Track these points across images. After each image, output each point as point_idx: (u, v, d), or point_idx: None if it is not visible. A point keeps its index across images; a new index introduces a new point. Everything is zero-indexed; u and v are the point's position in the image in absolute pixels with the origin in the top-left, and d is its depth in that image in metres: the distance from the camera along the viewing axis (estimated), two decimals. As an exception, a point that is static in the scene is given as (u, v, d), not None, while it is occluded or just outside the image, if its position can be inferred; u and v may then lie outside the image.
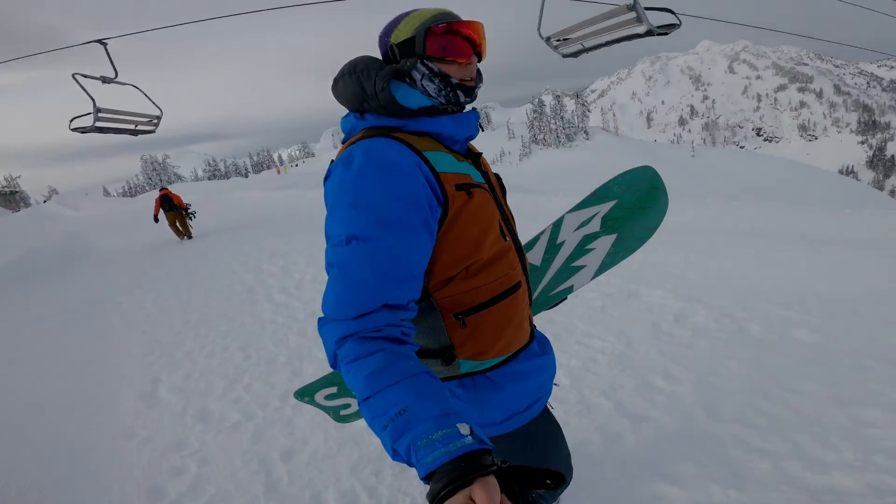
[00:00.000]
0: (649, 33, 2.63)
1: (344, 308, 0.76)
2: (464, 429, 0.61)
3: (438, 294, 0.92)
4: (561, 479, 0.59)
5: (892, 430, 1.73)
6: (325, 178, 0.90)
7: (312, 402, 1.68)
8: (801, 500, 1.51)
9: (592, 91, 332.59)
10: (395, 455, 0.64)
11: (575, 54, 3.35)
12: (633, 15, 2.55)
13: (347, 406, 1.67)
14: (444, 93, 0.93)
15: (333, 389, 1.62)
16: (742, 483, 1.61)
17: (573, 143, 60.99)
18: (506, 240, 0.99)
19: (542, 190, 13.95)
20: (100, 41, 2.92)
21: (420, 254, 0.82)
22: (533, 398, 1.06)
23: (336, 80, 0.96)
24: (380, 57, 0.98)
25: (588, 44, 3.11)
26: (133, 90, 3.34)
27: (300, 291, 4.73)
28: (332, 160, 0.92)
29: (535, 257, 1.51)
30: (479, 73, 0.99)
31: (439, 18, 0.91)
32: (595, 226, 1.50)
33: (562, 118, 61.21)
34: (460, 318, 0.93)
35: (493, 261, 0.95)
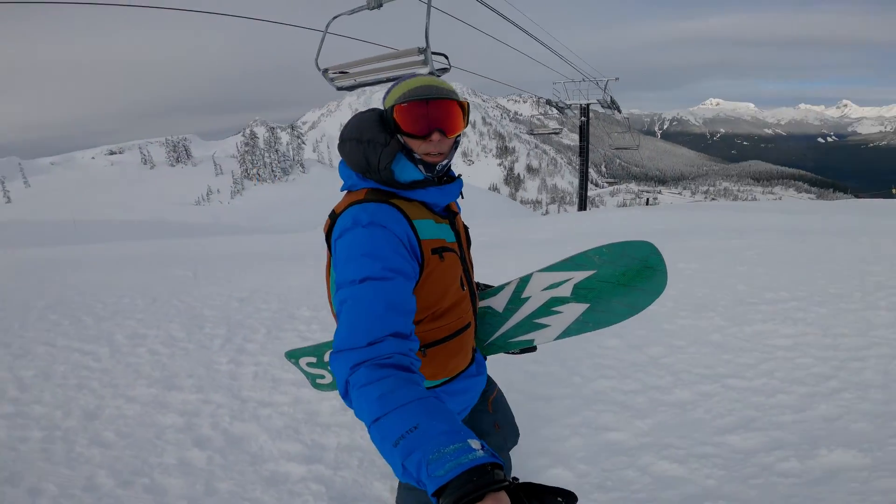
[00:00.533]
0: (429, 75, 3.67)
1: (357, 336, 0.84)
2: (475, 444, 0.63)
3: None
4: (573, 497, 0.59)
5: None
6: (330, 231, 1.06)
7: (297, 365, 1.87)
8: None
9: (304, 123, 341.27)
10: (405, 473, 0.65)
11: (350, 87, 3.97)
12: (420, 57, 3.35)
13: (323, 377, 1.83)
14: (418, 163, 1.06)
15: (314, 359, 1.78)
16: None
17: (290, 176, 61.11)
18: (464, 289, 1.20)
19: (258, 228, 13.72)
20: None
21: (409, 295, 0.95)
22: (464, 406, 1.29)
23: (343, 142, 1.09)
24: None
25: (364, 79, 3.78)
26: None
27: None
28: (336, 212, 1.07)
29: (497, 304, 1.50)
30: (456, 143, 1.10)
31: (410, 95, 1.02)
32: (565, 291, 1.44)
33: (276, 151, 60.45)
34: (422, 350, 1.14)
35: (453, 307, 1.16)
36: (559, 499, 0.58)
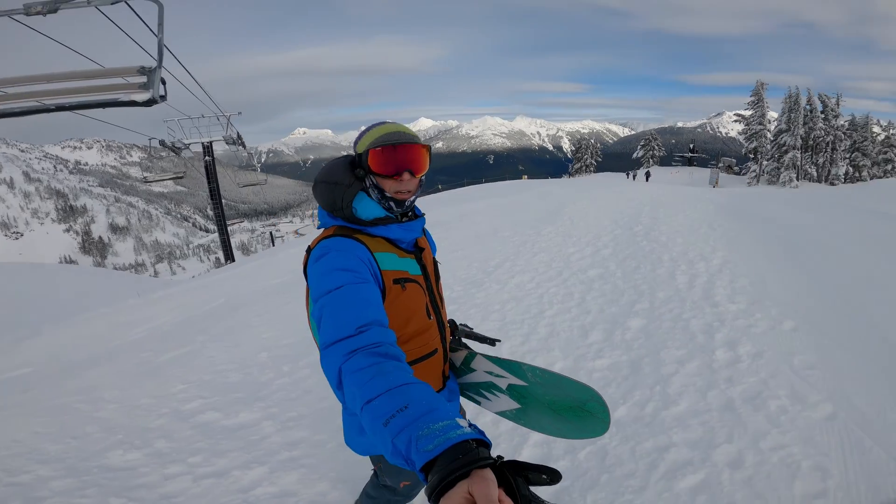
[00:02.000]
0: (149, 102, 2.60)
1: (345, 327, 0.90)
2: (462, 422, 0.66)
3: None
4: (557, 475, 0.61)
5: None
6: (306, 263, 1.16)
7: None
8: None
9: None
10: (395, 452, 0.67)
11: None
12: (142, 79, 2.66)
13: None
14: (382, 202, 1.19)
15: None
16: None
17: None
18: (430, 318, 1.28)
19: None
20: None
21: (378, 296, 1.05)
22: None
23: (316, 184, 1.23)
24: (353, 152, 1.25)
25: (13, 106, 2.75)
26: None
27: None
28: (310, 247, 1.18)
29: (456, 359, 1.58)
30: (420, 183, 1.23)
31: (382, 140, 1.16)
32: (502, 384, 1.50)
33: None
34: None
35: (417, 334, 1.24)
36: (544, 476, 0.60)
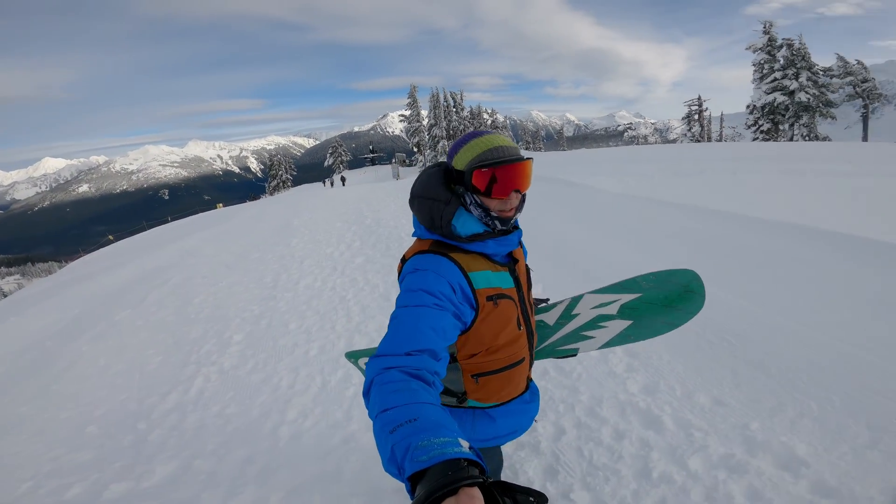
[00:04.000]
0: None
1: (398, 345, 0.93)
2: (463, 442, 0.66)
3: (463, 361, 1.25)
4: (544, 498, 0.61)
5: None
6: (400, 270, 1.19)
7: (356, 364, 2.19)
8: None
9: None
10: (391, 458, 0.67)
11: None
12: None
13: None
14: (485, 219, 1.15)
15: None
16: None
17: None
18: (520, 329, 1.28)
19: None
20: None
21: (450, 326, 1.05)
22: (513, 429, 1.38)
23: (413, 198, 1.21)
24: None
25: None
26: None
27: None
28: (405, 257, 1.21)
29: (549, 318, 1.62)
30: (522, 198, 1.19)
31: (486, 158, 1.11)
32: (612, 310, 1.57)
33: None
34: (475, 378, 1.27)
35: (507, 345, 1.25)
36: (531, 498, 0.60)
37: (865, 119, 23.44)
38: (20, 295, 12.79)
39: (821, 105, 22.08)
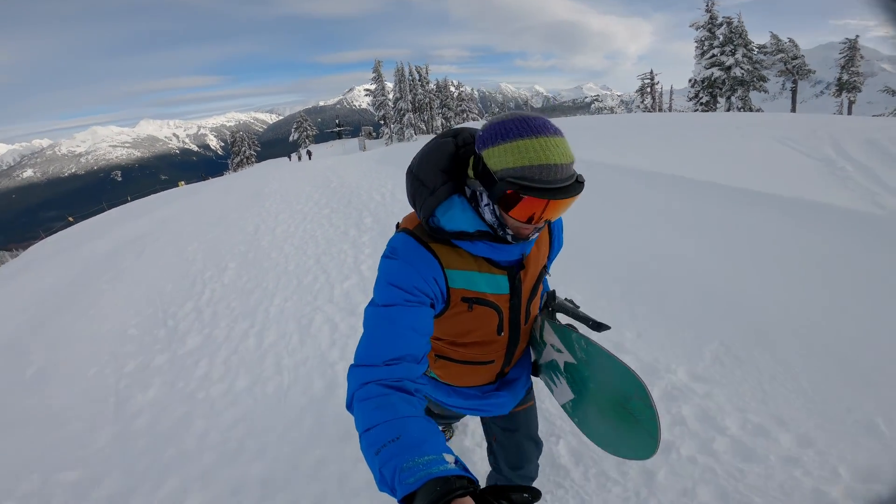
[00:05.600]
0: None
1: (376, 354, 0.89)
2: (449, 458, 0.68)
3: (432, 339, 1.10)
4: (537, 493, 0.63)
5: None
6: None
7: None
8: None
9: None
10: (382, 481, 0.69)
11: None
12: None
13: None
14: (493, 223, 0.96)
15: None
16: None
17: None
18: (500, 335, 1.14)
19: None
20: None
21: (428, 317, 0.99)
22: (472, 408, 1.31)
23: (409, 168, 1.04)
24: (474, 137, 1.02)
25: None
26: None
27: None
28: (398, 225, 1.08)
29: (537, 331, 1.32)
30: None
31: (532, 180, 0.84)
32: (560, 363, 1.25)
33: None
34: (440, 357, 1.22)
35: (475, 345, 1.17)
36: (525, 495, 0.63)
37: (794, 93, 25.67)
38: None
39: (754, 80, 24.12)
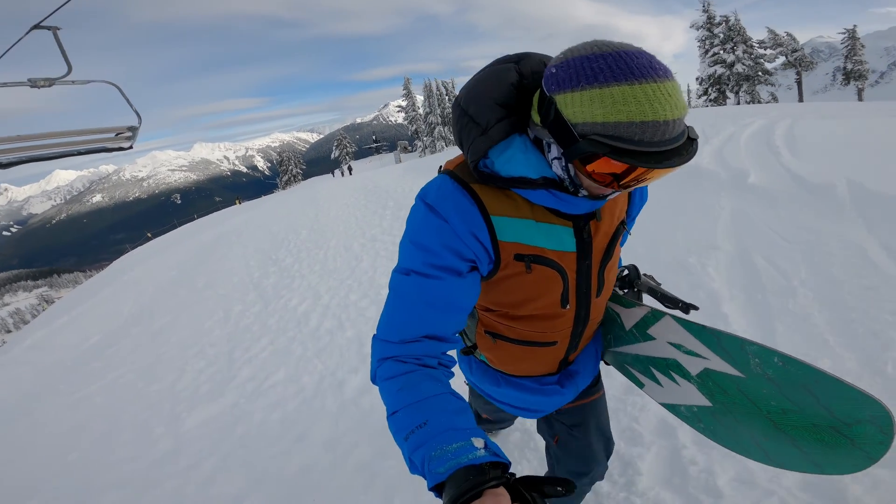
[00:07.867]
0: (120, 148, 5.11)
1: (393, 331, 0.81)
2: (478, 442, 0.64)
3: (481, 312, 1.02)
4: (571, 485, 0.60)
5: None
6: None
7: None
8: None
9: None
10: (412, 466, 0.67)
11: (6, 165, 4.25)
12: (127, 133, 5.04)
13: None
14: (563, 176, 0.77)
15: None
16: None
17: None
18: (565, 307, 0.95)
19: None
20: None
21: (469, 291, 0.83)
22: (523, 406, 1.16)
23: (456, 102, 0.85)
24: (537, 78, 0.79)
25: (33, 154, 4.30)
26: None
27: None
28: (440, 168, 0.90)
29: (627, 320, 1.14)
30: None
31: (629, 138, 0.62)
32: (692, 367, 1.01)
33: None
34: (491, 335, 1.04)
35: (535, 319, 0.97)
36: (559, 487, 0.60)
37: (799, 83, 26.58)
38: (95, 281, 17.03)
39: (759, 74, 25.31)
